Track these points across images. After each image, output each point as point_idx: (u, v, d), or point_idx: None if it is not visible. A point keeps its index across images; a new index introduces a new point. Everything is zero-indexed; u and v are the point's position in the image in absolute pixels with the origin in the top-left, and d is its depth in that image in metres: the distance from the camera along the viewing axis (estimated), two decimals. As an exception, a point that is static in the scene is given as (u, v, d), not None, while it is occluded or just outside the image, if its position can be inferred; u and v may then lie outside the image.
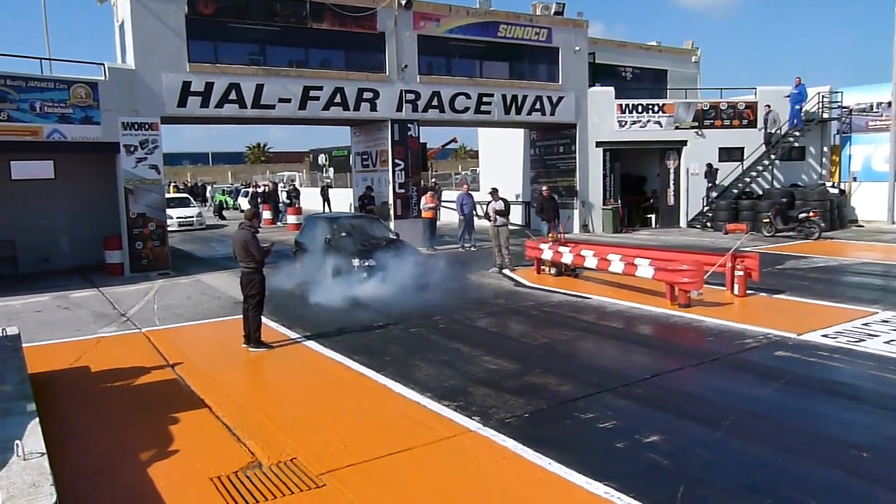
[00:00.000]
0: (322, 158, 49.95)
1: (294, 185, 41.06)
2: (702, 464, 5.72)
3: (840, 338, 9.25)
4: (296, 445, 6.17)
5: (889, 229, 22.53)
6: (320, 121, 20.81)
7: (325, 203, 35.92)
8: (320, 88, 18.82)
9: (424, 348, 9.54)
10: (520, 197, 26.33)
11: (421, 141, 21.72)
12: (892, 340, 9.04)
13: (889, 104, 23.71)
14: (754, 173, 24.62)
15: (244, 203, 31.85)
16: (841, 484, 5.31)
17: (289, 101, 18.45)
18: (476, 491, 5.36)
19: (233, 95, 17.69)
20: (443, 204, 28.58)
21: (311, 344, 9.82)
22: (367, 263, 13.51)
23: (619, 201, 24.34)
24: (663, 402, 7.16)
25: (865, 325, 9.91)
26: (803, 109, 24.00)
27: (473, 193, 22.01)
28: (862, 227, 23.61)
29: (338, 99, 19.10)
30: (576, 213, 23.57)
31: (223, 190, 46.15)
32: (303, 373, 8.70)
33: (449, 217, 26.63)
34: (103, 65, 16.38)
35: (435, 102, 20.72)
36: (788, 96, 23.91)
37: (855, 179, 25.13)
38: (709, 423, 6.50)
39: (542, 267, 15.12)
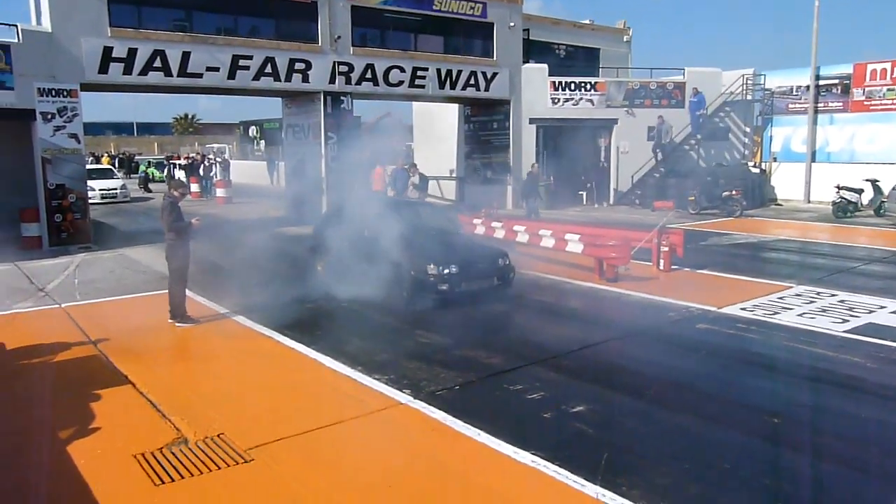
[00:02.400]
0: (253, 131, 48.81)
1: (224, 157, 40.02)
2: (626, 432, 5.91)
3: (757, 311, 9.67)
4: (224, 421, 6.07)
5: (805, 208, 23.57)
6: (251, 91, 20.24)
7: (272, 177, 35.28)
8: (250, 58, 18.30)
9: (356, 323, 9.50)
10: (454, 172, 26.36)
11: (355, 114, 21.45)
12: (804, 313, 9.51)
13: (808, 88, 24.69)
14: (681, 152, 25.29)
15: (180, 175, 30.85)
16: (756, 449, 5.58)
17: (217, 69, 17.88)
18: (405, 461, 5.42)
19: (157, 63, 17.02)
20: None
21: (241, 319, 9.65)
22: (447, 271, 9.82)
23: (552, 178, 24.64)
24: (590, 373, 7.35)
25: (780, 298, 10.39)
26: (702, 115, 24.72)
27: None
28: (781, 205, 24.62)
29: (268, 69, 18.63)
30: (509, 189, 23.76)
31: (149, 162, 44.59)
32: (232, 348, 8.54)
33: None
34: (16, 26, 15.49)
35: (369, 75, 20.45)
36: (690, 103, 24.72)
37: (775, 160, 26.11)
38: (633, 393, 6.71)
39: (476, 242, 15.22)
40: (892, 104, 23.11)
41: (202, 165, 32.99)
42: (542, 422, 6.11)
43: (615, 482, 4.94)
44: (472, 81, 22.51)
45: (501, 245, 12.19)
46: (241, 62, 18.18)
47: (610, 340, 8.56)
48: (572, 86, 24.40)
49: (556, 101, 24.17)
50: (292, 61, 19.02)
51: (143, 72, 16.88)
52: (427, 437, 5.86)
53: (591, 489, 4.86)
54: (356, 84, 20.27)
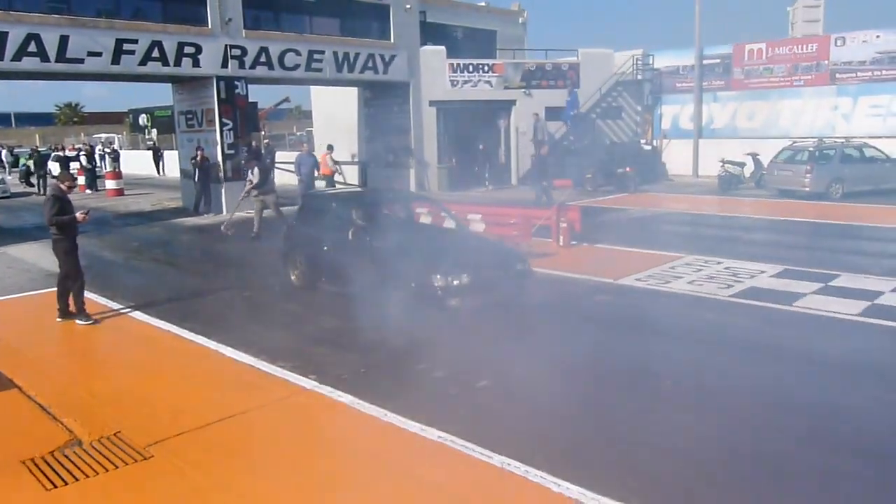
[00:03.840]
0: (143, 119, 46.68)
1: (113, 147, 38.07)
2: (528, 402, 6.08)
3: (650, 280, 10.14)
4: (120, 419, 5.84)
5: (694, 182, 24.77)
6: (138, 77, 19.34)
7: (159, 167, 33.76)
8: (135, 42, 17.43)
9: (259, 312, 9.33)
10: (356, 157, 26.13)
11: (251, 100, 20.86)
12: (693, 281, 10.04)
13: (693, 67, 25.87)
14: (578, 132, 26.00)
15: (55, 168, 29.09)
16: (647, 409, 5.87)
17: (99, 54, 16.94)
18: (312, 446, 5.39)
19: (32, 47, 15.95)
20: (277, 166, 27.85)
21: (138, 314, 9.26)
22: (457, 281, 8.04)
23: (454, 160, 24.82)
24: (493, 348, 7.50)
25: (672, 268, 10.91)
26: (576, 114, 25.32)
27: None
28: (672, 180, 25.75)
29: (156, 53, 17.79)
30: (411, 172, 23.77)
31: (31, 153, 41.83)
32: (128, 344, 8.22)
33: (283, 179, 25.97)
34: None
35: (263, 59, 19.90)
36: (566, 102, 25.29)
37: (665, 137, 27.27)
38: (535, 365, 6.90)
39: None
40: (768, 82, 24.59)
41: (84, 156, 31.26)
42: (449, 398, 6.20)
43: (520, 451, 5.07)
44: (370, 64, 22.30)
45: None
46: (126, 46, 17.29)
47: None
48: (470, 68, 24.57)
49: (455, 83, 24.29)
50: (181, 45, 18.25)
51: (17, 57, 15.79)
52: (334, 420, 5.84)
53: (498, 459, 4.98)
54: (250, 68, 19.69)
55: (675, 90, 27.13)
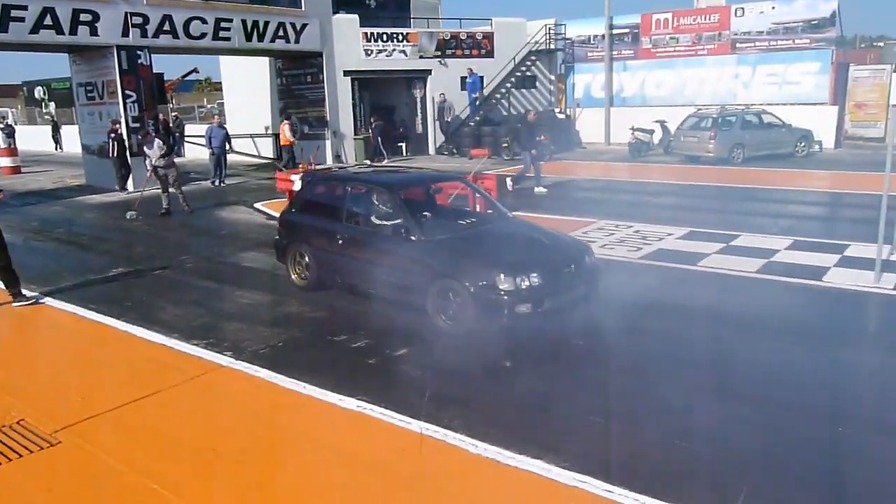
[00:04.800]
0: (40, 91, 43.98)
1: (7, 122, 35.78)
2: (446, 369, 6.18)
3: (564, 246, 10.38)
4: (23, 406, 5.59)
5: (607, 149, 25.40)
6: (30, 46, 18.16)
7: (57, 144, 31.93)
8: (24, 8, 16.31)
9: (171, 290, 9.07)
10: (269, 129, 25.53)
11: (156, 70, 19.96)
12: (605, 244, 10.36)
13: (603, 37, 26.36)
14: (493, 101, 26.18)
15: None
16: (557, 371, 6.07)
17: (-16, 22, 15.83)
18: (230, 423, 5.31)
19: None
20: (187, 139, 26.92)
21: (43, 299, 8.84)
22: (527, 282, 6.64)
23: (371, 131, 24.58)
24: (412, 318, 7.52)
25: (585, 233, 11.21)
26: (479, 98, 25.23)
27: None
28: (585, 148, 26.31)
29: (48, 20, 16.73)
30: (327, 143, 23.40)
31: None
32: (31, 330, 7.87)
33: (195, 153, 25.15)
34: None
35: (167, 27, 19.02)
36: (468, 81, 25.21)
37: (578, 105, 27.77)
38: (448, 334, 7.00)
39: (296, 199, 14.90)
40: (675, 51, 25.33)
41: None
42: (368, 368, 6.23)
43: (438, 416, 5.17)
44: (280, 33, 21.68)
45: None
46: (14, 13, 16.17)
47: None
48: (385, 37, 24.26)
49: (369, 52, 23.95)
50: (76, 12, 17.21)
51: None
52: (251, 396, 5.77)
53: (416, 425, 5.06)
54: (153, 37, 18.79)
55: (587, 59, 27.59)
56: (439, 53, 25.23)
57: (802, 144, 20.77)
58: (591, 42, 27.40)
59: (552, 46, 27.35)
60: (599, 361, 6.22)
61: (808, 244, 9.87)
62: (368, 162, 22.61)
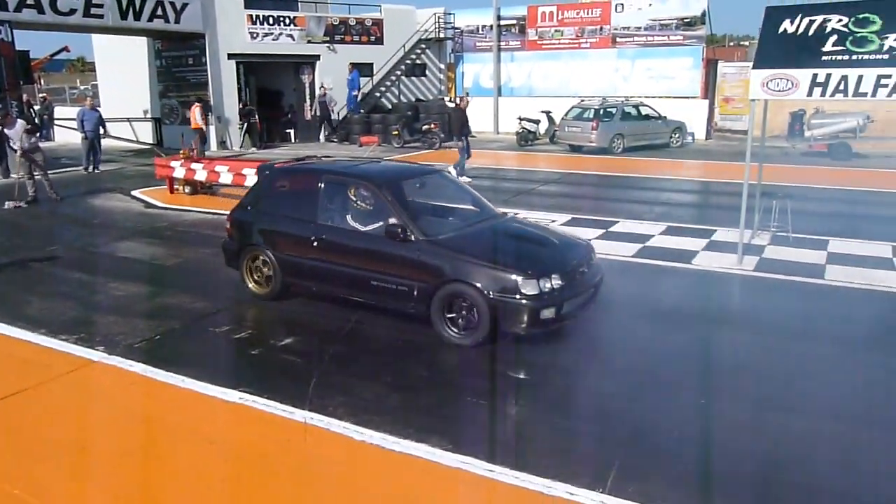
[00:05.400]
0: None
1: None
2: (331, 357, 6.13)
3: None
4: None
5: (495, 138, 25.84)
6: None
7: None
8: None
9: (37, 283, 8.51)
10: (148, 113, 24.30)
11: (20, 48, 18.52)
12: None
13: (491, 27, 26.74)
14: (383, 88, 26.07)
15: None
16: (428, 343, 6.17)
17: None
18: (102, 420, 5.07)
19: None
20: (57, 122, 25.22)
21: None
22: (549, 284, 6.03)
23: (257, 116, 23.88)
24: (298, 306, 7.43)
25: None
26: (359, 95, 24.99)
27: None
28: (475, 137, 26.59)
29: None
30: (212, 129, 22.54)
31: None
32: None
33: (66, 137, 23.58)
34: None
35: (31, 1, 17.69)
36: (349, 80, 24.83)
37: (468, 94, 28.06)
38: (341, 318, 6.96)
39: (176, 186, 14.31)
40: (560, 44, 26.06)
41: None
42: (251, 359, 6.10)
43: (323, 405, 5.13)
44: (159, 12, 20.62)
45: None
46: None
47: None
48: (271, 20, 23.57)
49: (254, 35, 23.20)
50: (-77, -19, 15.74)
51: None
52: (126, 392, 5.52)
53: (300, 415, 5.00)
54: (15, 11, 17.41)
55: (476, 49, 27.92)
56: (328, 39, 24.81)
57: (677, 135, 21.96)
58: (480, 32, 27.74)
59: (441, 35, 27.52)
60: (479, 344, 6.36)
61: (680, 230, 10.48)
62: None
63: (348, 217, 7.02)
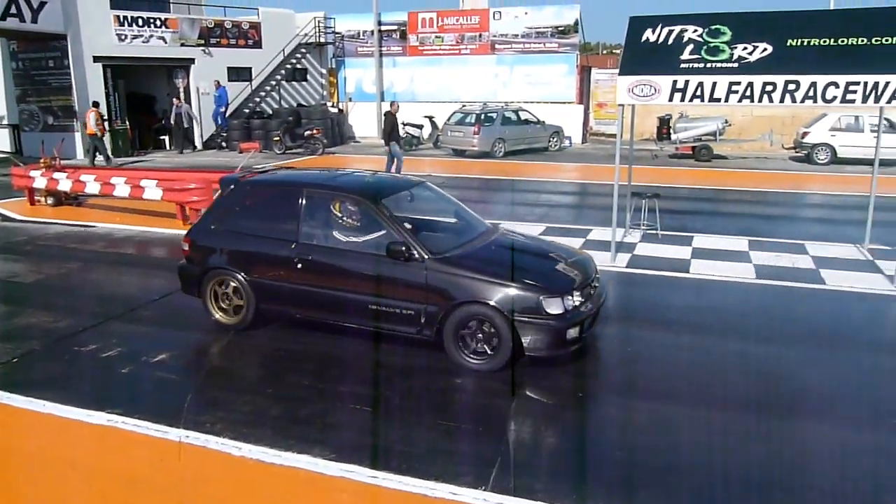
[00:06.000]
0: None
1: None
2: (210, 369, 5.92)
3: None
4: None
5: (379, 143, 25.67)
6: None
7: None
8: None
9: None
10: (4, 119, 22.57)
11: None
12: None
13: (372, 33, 26.71)
14: (263, 93, 25.48)
15: None
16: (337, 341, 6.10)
17: None
18: (-51, 455, 4.65)
19: None
20: None
21: None
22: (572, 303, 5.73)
23: (128, 123, 22.69)
24: (172, 319, 7.14)
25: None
26: (227, 111, 24.09)
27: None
28: (359, 142, 26.53)
29: None
30: (77, 136, 21.22)
31: None
32: None
33: None
34: None
35: None
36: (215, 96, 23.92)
37: (351, 100, 27.92)
38: (220, 331, 6.72)
39: (37, 197, 13.36)
40: (440, 50, 26.37)
41: None
42: (120, 378, 5.78)
43: (199, 422, 4.93)
44: (13, 10, 19.17)
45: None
46: None
47: (195, 285, 8.38)
48: (140, 21, 22.47)
49: (123, 37, 22.05)
50: None
51: None
52: (-23, 421, 5.09)
53: (175, 434, 4.79)
54: None
55: (358, 54, 27.79)
56: (203, 42, 23.94)
57: (555, 139, 22.74)
58: (361, 37, 27.63)
59: (322, 40, 27.21)
60: (360, 346, 6.32)
61: (559, 230, 10.84)
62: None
63: (337, 235, 6.33)
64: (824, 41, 7.94)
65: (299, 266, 6.21)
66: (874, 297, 7.79)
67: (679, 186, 15.14)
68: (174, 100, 23.01)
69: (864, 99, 7.47)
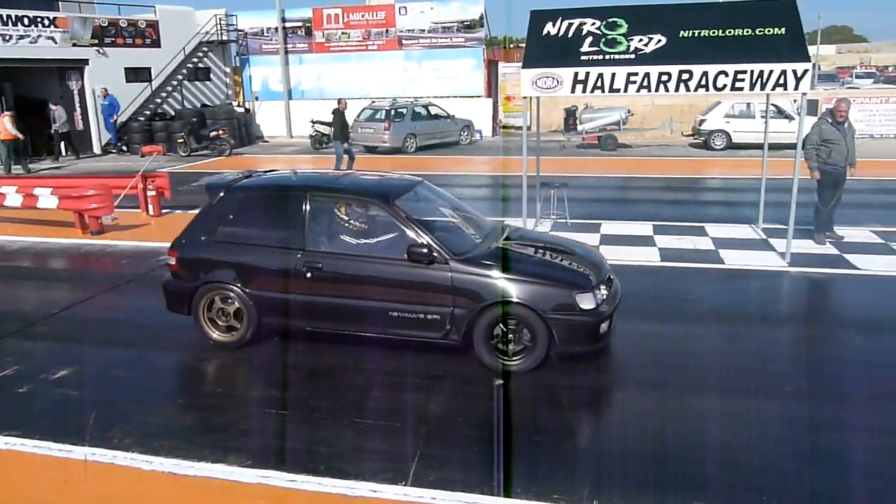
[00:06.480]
0: None
1: None
2: (118, 382, 5.68)
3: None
4: None
5: (289, 142, 25.39)
6: None
7: None
8: None
9: None
10: None
11: None
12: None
13: (277, 30, 26.18)
14: (164, 94, 24.59)
15: None
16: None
17: None
18: None
19: None
20: None
21: None
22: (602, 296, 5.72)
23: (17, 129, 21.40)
24: (74, 333, 6.82)
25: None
26: (116, 121, 23.12)
27: None
28: (267, 142, 26.00)
29: None
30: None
31: None
32: None
33: None
34: None
35: None
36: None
37: (257, 99, 27.29)
38: (126, 343, 6.47)
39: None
40: (347, 46, 26.12)
41: None
42: (18, 398, 5.46)
43: (106, 438, 4.74)
44: None
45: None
46: None
47: (97, 295, 8.03)
48: (26, 20, 21.24)
49: (7, 37, 20.76)
50: None
51: None
52: None
53: (80, 452, 4.57)
54: None
55: (262, 52, 27.16)
56: (97, 41, 22.86)
57: (465, 133, 22.95)
58: (266, 34, 27.02)
59: (225, 38, 26.49)
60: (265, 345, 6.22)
61: (471, 223, 10.93)
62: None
63: (347, 239, 5.99)
64: (713, 32, 8.34)
65: (308, 275, 5.83)
66: (768, 273, 8.24)
67: (586, 176, 15.57)
68: (51, 105, 21.71)
69: (752, 86, 7.88)
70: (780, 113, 18.01)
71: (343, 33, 26.01)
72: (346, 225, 6.11)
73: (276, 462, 4.40)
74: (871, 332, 6.43)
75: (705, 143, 20.19)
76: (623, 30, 8.44)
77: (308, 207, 5.99)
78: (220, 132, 21.77)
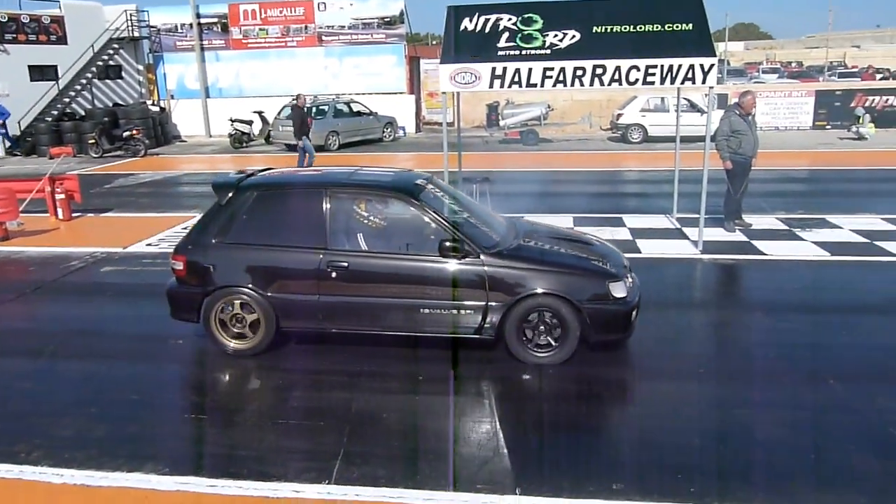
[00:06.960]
0: None
1: None
2: (24, 394, 5.41)
3: (162, 244, 9.85)
4: None
5: (208, 142, 24.74)
6: None
7: None
8: None
9: None
10: None
11: None
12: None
13: (191, 26, 25.44)
14: (73, 93, 23.55)
15: None
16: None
17: None
18: None
19: None
20: None
21: None
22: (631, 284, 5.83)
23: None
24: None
25: (185, 228, 10.73)
26: (7, 129, 22.14)
27: None
28: (185, 141, 25.27)
29: None
30: None
31: None
32: None
33: None
34: None
35: None
36: None
37: (173, 97, 26.47)
38: (32, 353, 6.17)
39: None
40: (266, 43, 25.63)
41: None
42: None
43: (12, 452, 4.50)
44: None
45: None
46: None
47: (1, 304, 7.62)
48: (-84, 16, 20.03)
49: None
50: None
51: None
52: None
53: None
54: None
55: (177, 49, 26.36)
56: (-4, 38, 21.74)
57: (389, 130, 22.89)
58: (180, 31, 26.24)
59: (136, 34, 25.56)
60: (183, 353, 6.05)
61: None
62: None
63: (371, 237, 5.84)
64: (625, 28, 8.56)
65: (333, 275, 5.61)
66: (682, 261, 8.55)
67: (508, 170, 15.76)
68: None
69: (662, 80, 8.13)
70: (693, 107, 18.68)
71: (261, 29, 25.51)
72: (368, 222, 5.98)
73: (196, 467, 4.28)
74: (777, 313, 6.75)
75: (623, 136, 20.76)
76: (538, 25, 8.56)
77: (328, 205, 5.78)
78: (134, 132, 21.03)
